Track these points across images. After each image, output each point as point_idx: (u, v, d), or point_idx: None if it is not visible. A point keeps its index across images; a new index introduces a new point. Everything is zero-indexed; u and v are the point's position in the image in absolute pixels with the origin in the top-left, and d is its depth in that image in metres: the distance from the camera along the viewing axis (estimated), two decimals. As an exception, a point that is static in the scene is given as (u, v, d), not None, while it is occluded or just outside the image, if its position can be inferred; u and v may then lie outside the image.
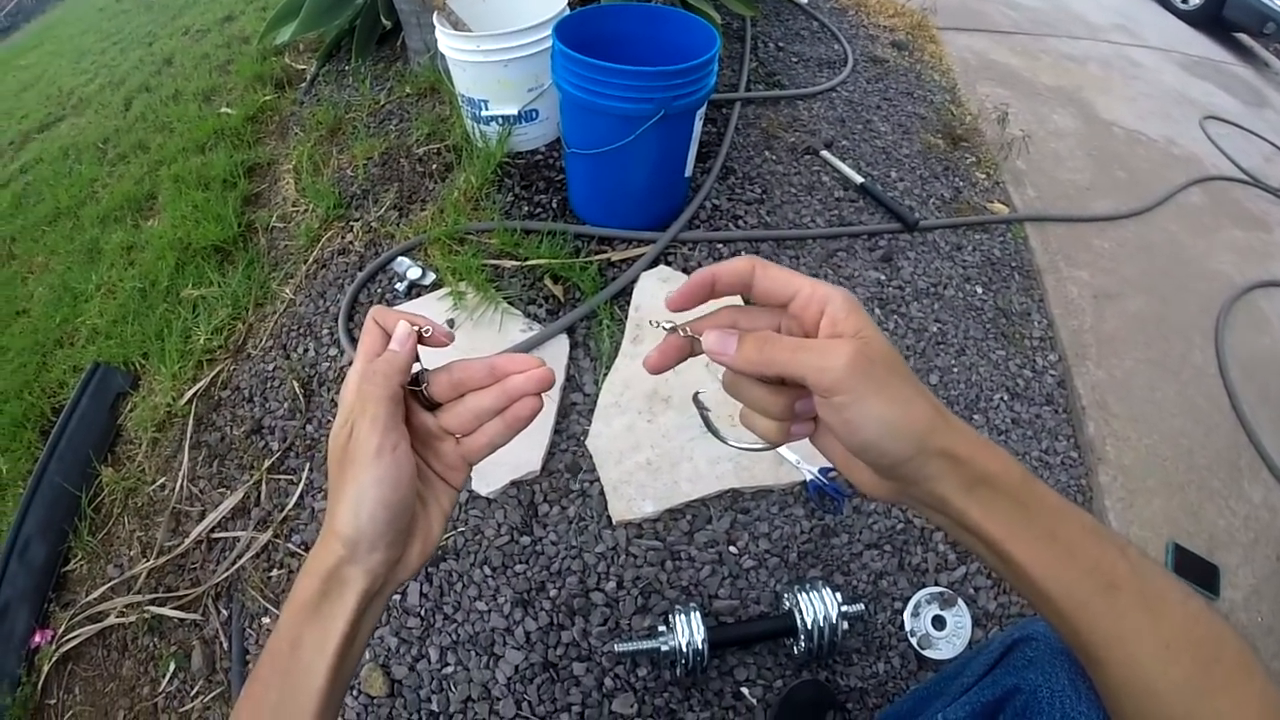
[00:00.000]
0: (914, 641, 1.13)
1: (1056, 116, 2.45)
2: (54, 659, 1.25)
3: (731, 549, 1.20)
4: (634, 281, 1.53)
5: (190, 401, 1.50)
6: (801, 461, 1.26)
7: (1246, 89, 3.28)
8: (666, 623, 1.06)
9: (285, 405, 1.44)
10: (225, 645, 1.20)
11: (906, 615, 1.15)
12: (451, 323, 1.45)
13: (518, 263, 1.55)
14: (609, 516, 1.22)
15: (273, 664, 0.42)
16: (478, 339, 1.42)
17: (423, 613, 1.15)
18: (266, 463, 1.36)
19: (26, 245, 2.34)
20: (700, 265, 1.57)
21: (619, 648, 1.04)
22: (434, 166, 1.83)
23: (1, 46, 6.61)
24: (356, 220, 1.74)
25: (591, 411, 1.34)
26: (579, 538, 1.20)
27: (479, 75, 1.62)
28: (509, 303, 1.49)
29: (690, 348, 0.45)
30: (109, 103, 3.11)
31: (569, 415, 1.35)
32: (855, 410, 0.37)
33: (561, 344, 1.43)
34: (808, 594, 1.06)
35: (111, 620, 1.26)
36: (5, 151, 3.25)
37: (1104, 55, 3.09)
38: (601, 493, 1.24)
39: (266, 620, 1.20)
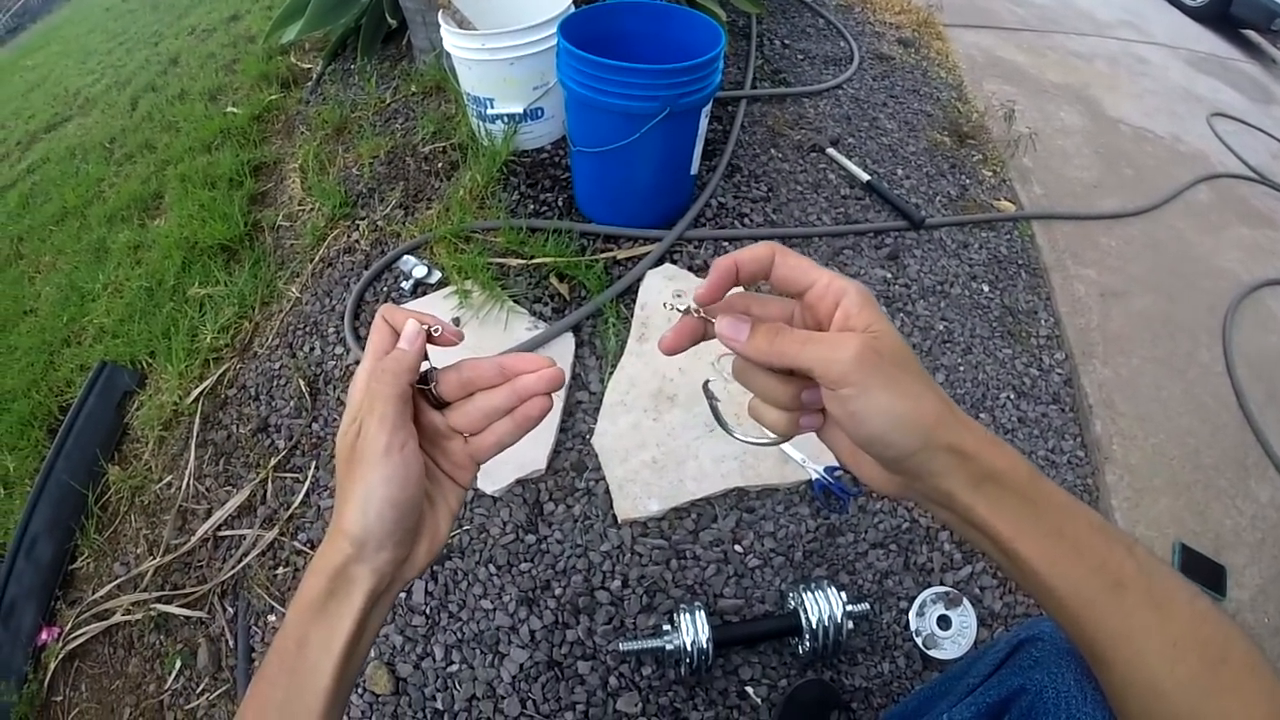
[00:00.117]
0: (919, 641, 1.13)
1: (1063, 114, 2.44)
2: (60, 656, 1.25)
3: (736, 548, 1.20)
4: (640, 280, 1.52)
5: (197, 400, 1.50)
6: (807, 460, 1.26)
7: (1254, 86, 3.26)
8: (671, 621, 1.06)
9: (291, 404, 1.45)
10: (231, 643, 1.20)
11: (912, 615, 1.15)
12: (457, 321, 1.45)
13: (523, 261, 1.55)
14: (614, 515, 1.22)
15: (279, 662, 0.42)
16: (483, 337, 1.42)
17: (428, 611, 1.15)
18: (272, 461, 1.36)
19: (34, 245, 2.35)
20: (706, 264, 1.57)
21: (624, 646, 1.04)
22: (439, 165, 1.83)
23: (8, 47, 6.64)
24: (362, 219, 1.74)
25: (597, 410, 1.34)
26: (584, 536, 1.20)
27: (484, 73, 1.62)
28: (514, 301, 1.49)
29: (704, 330, 0.45)
30: (115, 102, 3.12)
31: (574, 414, 1.35)
32: (861, 403, 0.38)
33: (567, 342, 1.43)
34: (813, 593, 1.06)
35: (118, 618, 1.27)
36: (13, 152, 3.26)
37: (1111, 52, 3.07)
38: (607, 491, 1.24)
39: (272, 618, 1.21)
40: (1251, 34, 3.95)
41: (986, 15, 3.11)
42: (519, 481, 1.26)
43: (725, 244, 1.64)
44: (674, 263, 1.58)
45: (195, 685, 1.18)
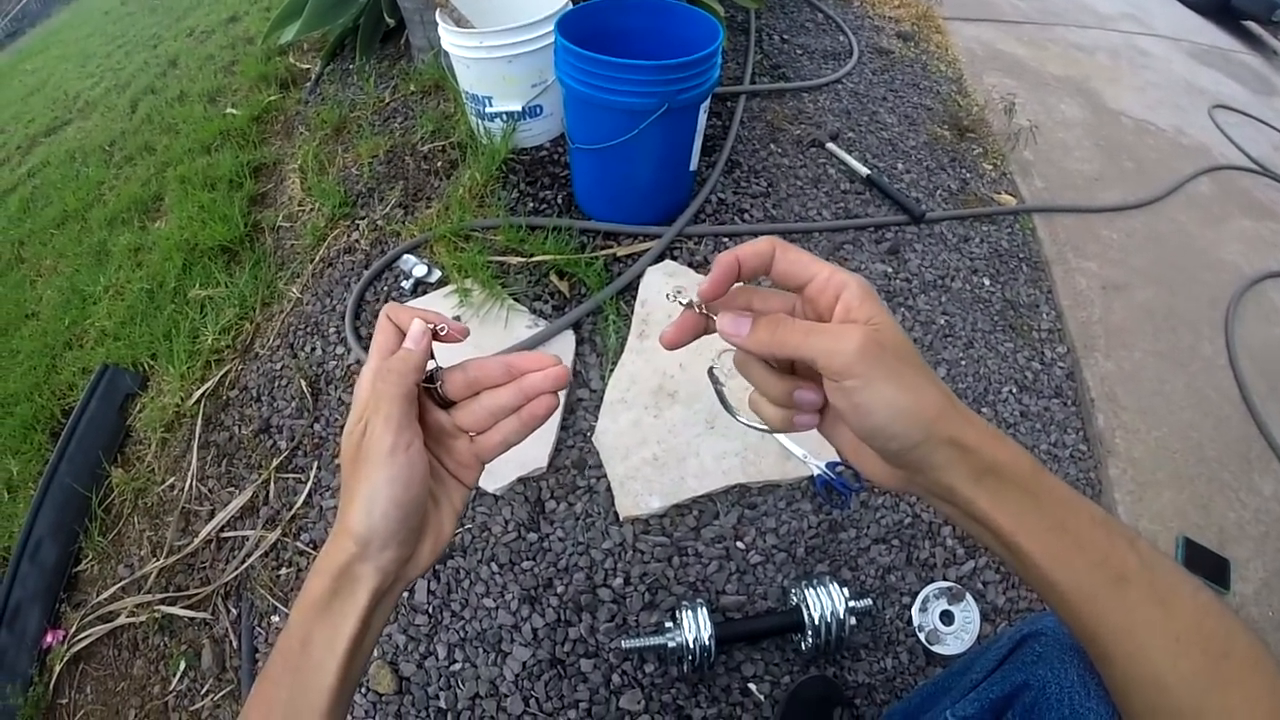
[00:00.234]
0: (922, 637, 1.13)
1: (1064, 106, 2.43)
2: (65, 659, 1.26)
3: (738, 544, 1.20)
4: (640, 276, 1.52)
5: (199, 401, 1.51)
6: (809, 456, 1.26)
7: (1255, 77, 3.24)
8: (673, 619, 1.06)
9: (293, 404, 1.45)
10: (235, 644, 1.21)
11: (914, 610, 1.15)
12: (458, 319, 1.45)
13: (523, 259, 1.55)
14: (616, 512, 1.22)
15: (283, 662, 0.42)
16: (484, 336, 1.42)
17: (430, 610, 1.15)
18: (275, 462, 1.37)
19: (35, 248, 2.35)
20: (707, 260, 1.57)
21: (626, 644, 1.04)
22: (439, 164, 1.83)
23: (7, 51, 6.65)
24: (362, 219, 1.74)
25: (598, 407, 1.34)
26: (586, 534, 1.20)
27: (483, 72, 1.62)
28: (515, 299, 1.49)
29: (705, 324, 0.45)
30: (115, 105, 3.13)
31: (575, 411, 1.35)
32: (865, 394, 0.38)
33: (567, 340, 1.43)
34: (815, 589, 1.06)
35: (122, 620, 1.27)
36: (13, 156, 3.27)
37: (1112, 44, 3.06)
38: (608, 489, 1.24)
39: (276, 619, 1.21)
40: (1253, 26, 3.92)
41: (987, 8, 3.10)
42: (520, 480, 1.26)
43: (725, 240, 1.64)
44: (674, 259, 1.58)
45: (200, 686, 1.19)
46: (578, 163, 1.59)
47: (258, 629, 1.21)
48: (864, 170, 1.85)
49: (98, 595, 1.32)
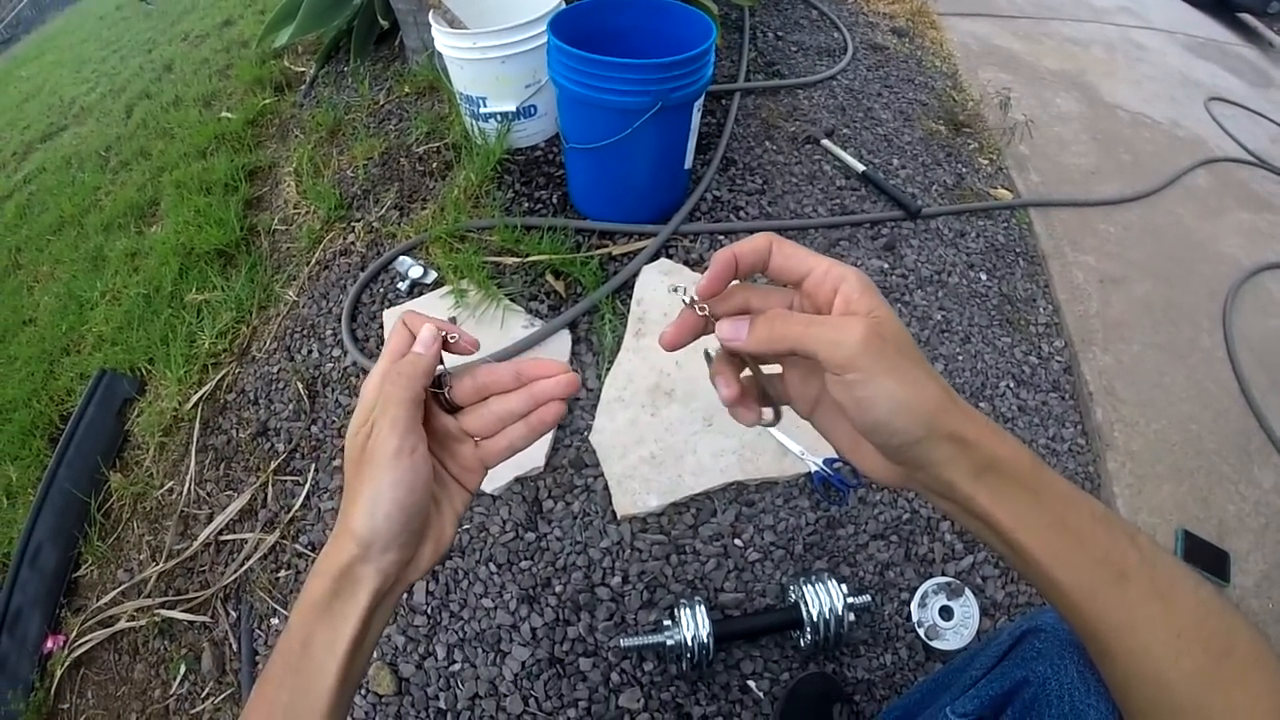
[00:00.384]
0: (921, 632, 1.12)
1: (1060, 100, 2.43)
2: (66, 664, 1.26)
3: (736, 542, 1.20)
4: (636, 275, 1.52)
5: (196, 405, 1.51)
6: (806, 452, 1.26)
7: (1252, 70, 3.23)
8: (672, 617, 1.06)
9: (290, 407, 1.45)
10: (235, 647, 1.21)
11: (913, 606, 1.15)
12: (454, 320, 1.45)
13: (519, 259, 1.55)
14: (613, 511, 1.22)
15: (284, 663, 0.42)
16: (480, 336, 1.40)
17: (429, 610, 1.15)
18: (273, 464, 1.37)
19: (32, 255, 2.35)
20: (703, 258, 1.57)
21: (625, 643, 1.04)
22: (434, 165, 1.83)
23: (3, 58, 6.64)
24: (358, 221, 1.74)
25: (595, 407, 1.34)
26: (584, 533, 1.20)
27: (476, 73, 1.61)
28: (511, 299, 1.49)
29: (704, 325, 0.45)
30: (110, 111, 3.12)
31: (572, 410, 1.34)
32: (867, 388, 0.37)
33: (564, 339, 1.42)
34: (813, 586, 1.06)
35: (122, 624, 1.27)
36: (9, 163, 3.26)
37: (1108, 38, 3.05)
38: (606, 488, 1.24)
39: (275, 621, 1.21)
40: (1249, 18, 3.91)
41: (982, 3, 3.09)
42: (518, 479, 1.26)
43: (721, 238, 1.64)
44: (670, 257, 1.58)
45: (200, 690, 1.19)
46: (572, 162, 1.59)
47: (257, 632, 1.21)
48: (859, 166, 1.85)
49: (98, 600, 1.32)
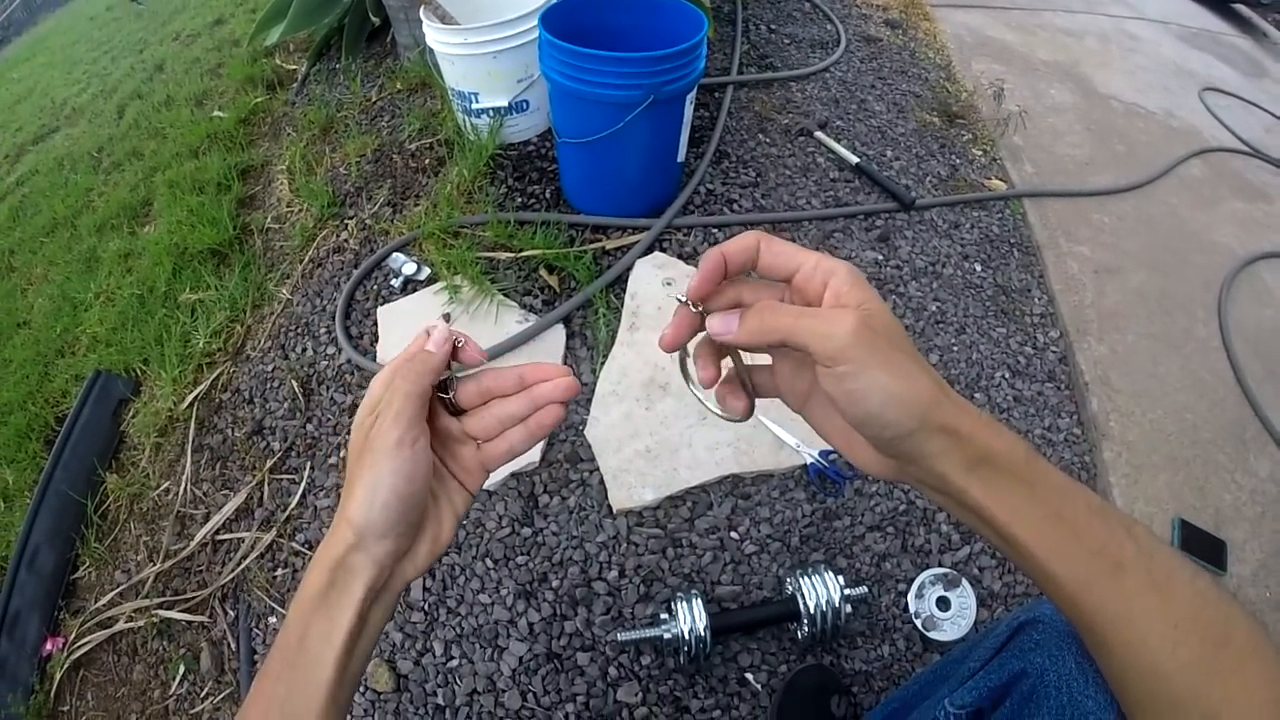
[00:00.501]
0: (918, 623, 1.13)
1: (1054, 91, 2.43)
2: (66, 666, 1.26)
3: (733, 534, 1.20)
4: (629, 269, 1.52)
5: (191, 405, 1.50)
6: (801, 445, 1.26)
7: (1246, 60, 3.23)
8: (669, 610, 1.06)
9: (285, 405, 1.44)
10: (233, 646, 1.21)
11: (910, 597, 1.15)
12: (448, 317, 1.45)
13: (512, 254, 1.54)
14: (609, 505, 1.22)
15: (281, 659, 0.43)
16: (474, 332, 1.41)
17: (426, 607, 1.15)
18: (268, 463, 1.36)
19: (25, 257, 2.35)
20: (696, 251, 1.57)
21: (622, 637, 1.04)
22: (426, 161, 1.82)
23: (-5, 60, 6.61)
24: (351, 218, 1.74)
25: (589, 401, 1.34)
26: (580, 528, 1.20)
27: (468, 68, 1.61)
28: (504, 294, 1.48)
29: (700, 322, 0.46)
30: (102, 111, 3.11)
31: (567, 405, 1.34)
32: (859, 380, 0.37)
33: (558, 334, 1.42)
34: (810, 578, 1.06)
35: (121, 625, 1.27)
36: (1, 165, 3.25)
37: (1102, 29, 3.05)
38: (601, 482, 1.24)
39: (273, 620, 1.21)
40: (1242, 8, 3.91)
41: (975, -6, 3.09)
42: (514, 475, 1.26)
43: (714, 231, 1.63)
44: (663, 251, 1.57)
45: (199, 690, 1.19)
46: (565, 157, 1.59)
47: (255, 630, 1.21)
48: (853, 158, 1.84)
49: (96, 601, 1.32)
